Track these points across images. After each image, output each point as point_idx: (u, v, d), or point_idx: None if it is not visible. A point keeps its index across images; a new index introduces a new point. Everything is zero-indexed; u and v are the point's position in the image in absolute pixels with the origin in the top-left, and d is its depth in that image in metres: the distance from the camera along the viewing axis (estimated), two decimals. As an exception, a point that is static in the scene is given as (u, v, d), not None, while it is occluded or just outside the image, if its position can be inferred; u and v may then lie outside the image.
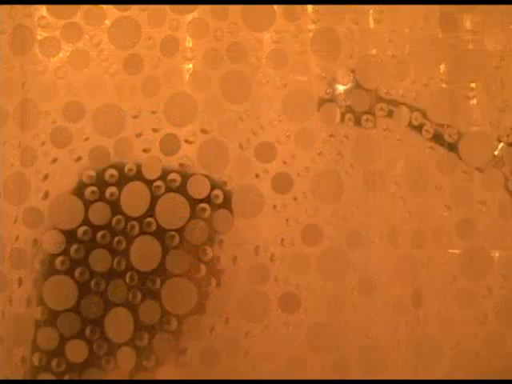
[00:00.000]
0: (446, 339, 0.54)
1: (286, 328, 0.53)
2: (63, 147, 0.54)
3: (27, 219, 0.53)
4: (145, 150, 0.53)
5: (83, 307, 0.52)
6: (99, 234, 0.52)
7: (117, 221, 0.52)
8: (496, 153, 0.55)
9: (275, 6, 0.53)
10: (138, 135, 0.54)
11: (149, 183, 0.52)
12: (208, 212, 0.52)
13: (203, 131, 0.53)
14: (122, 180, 0.53)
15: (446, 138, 0.55)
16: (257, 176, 0.53)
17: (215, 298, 0.53)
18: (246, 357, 0.53)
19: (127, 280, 0.52)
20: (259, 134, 0.53)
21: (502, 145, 0.56)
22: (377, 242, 0.54)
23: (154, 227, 0.52)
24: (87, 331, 0.52)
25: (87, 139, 0.54)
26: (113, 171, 0.53)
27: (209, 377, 0.52)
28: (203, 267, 0.52)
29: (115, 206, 0.52)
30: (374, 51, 0.55)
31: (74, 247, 0.52)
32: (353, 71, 0.54)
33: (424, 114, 0.55)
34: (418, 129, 0.55)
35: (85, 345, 0.51)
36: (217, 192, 0.52)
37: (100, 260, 0.52)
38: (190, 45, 0.54)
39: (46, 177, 0.54)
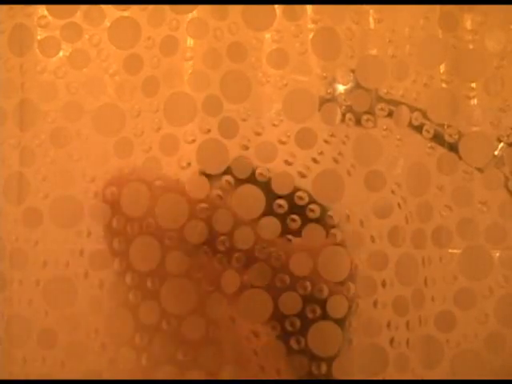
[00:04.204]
0: (446, 339, 0.54)
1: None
2: (63, 147, 0.54)
3: (27, 219, 0.53)
4: (145, 150, 0.53)
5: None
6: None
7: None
8: (496, 153, 0.55)
9: (275, 6, 0.53)
10: (138, 135, 0.53)
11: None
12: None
13: (203, 131, 0.53)
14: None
15: (447, 137, 0.55)
16: (258, 175, 0.53)
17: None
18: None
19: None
20: (260, 133, 0.53)
21: (502, 145, 0.56)
22: (377, 241, 0.54)
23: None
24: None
25: (87, 139, 0.54)
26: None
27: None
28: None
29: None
30: (374, 51, 0.55)
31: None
32: (353, 71, 0.54)
33: (424, 114, 0.55)
34: (419, 129, 0.55)
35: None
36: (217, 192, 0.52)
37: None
38: (190, 44, 0.53)
39: (45, 177, 0.54)
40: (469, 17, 0.55)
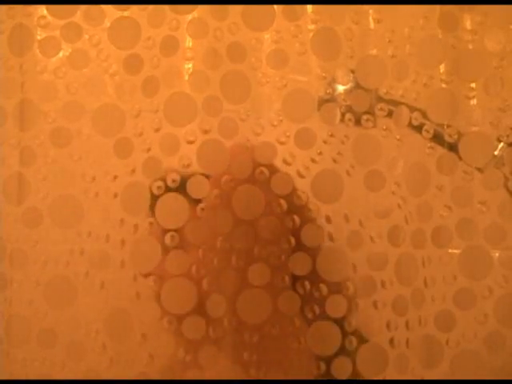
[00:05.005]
0: (446, 339, 0.54)
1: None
2: (63, 147, 0.54)
3: (27, 219, 0.53)
4: (144, 150, 0.53)
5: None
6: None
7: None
8: (496, 153, 0.55)
9: (275, 6, 0.53)
10: (138, 135, 0.54)
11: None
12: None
13: (203, 131, 0.53)
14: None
15: (446, 138, 0.55)
16: (258, 174, 0.53)
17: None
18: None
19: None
20: (259, 134, 0.53)
21: (501, 145, 0.56)
22: (377, 241, 0.54)
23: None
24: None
25: (87, 139, 0.54)
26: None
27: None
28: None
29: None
30: (374, 51, 0.55)
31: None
32: (353, 71, 0.54)
33: (424, 114, 0.55)
34: (418, 129, 0.55)
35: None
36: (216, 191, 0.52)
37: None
38: (190, 45, 0.54)
39: (45, 177, 0.54)
40: (468, 17, 0.55)
